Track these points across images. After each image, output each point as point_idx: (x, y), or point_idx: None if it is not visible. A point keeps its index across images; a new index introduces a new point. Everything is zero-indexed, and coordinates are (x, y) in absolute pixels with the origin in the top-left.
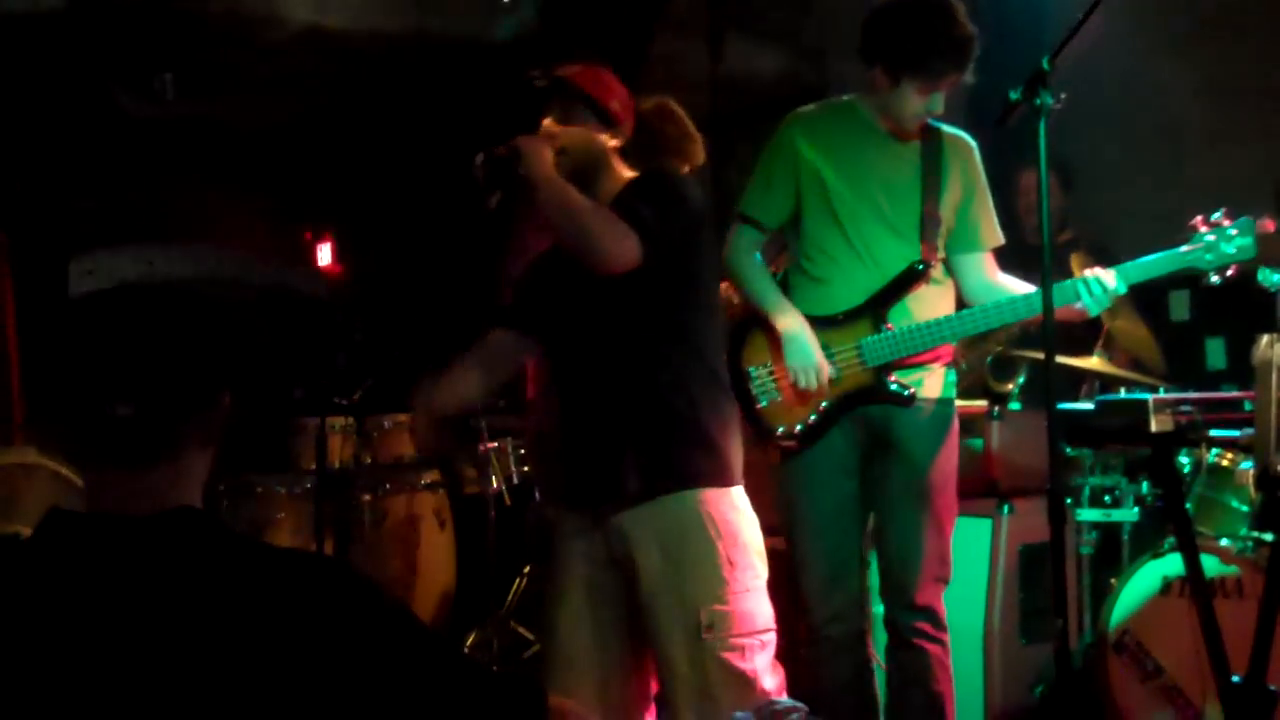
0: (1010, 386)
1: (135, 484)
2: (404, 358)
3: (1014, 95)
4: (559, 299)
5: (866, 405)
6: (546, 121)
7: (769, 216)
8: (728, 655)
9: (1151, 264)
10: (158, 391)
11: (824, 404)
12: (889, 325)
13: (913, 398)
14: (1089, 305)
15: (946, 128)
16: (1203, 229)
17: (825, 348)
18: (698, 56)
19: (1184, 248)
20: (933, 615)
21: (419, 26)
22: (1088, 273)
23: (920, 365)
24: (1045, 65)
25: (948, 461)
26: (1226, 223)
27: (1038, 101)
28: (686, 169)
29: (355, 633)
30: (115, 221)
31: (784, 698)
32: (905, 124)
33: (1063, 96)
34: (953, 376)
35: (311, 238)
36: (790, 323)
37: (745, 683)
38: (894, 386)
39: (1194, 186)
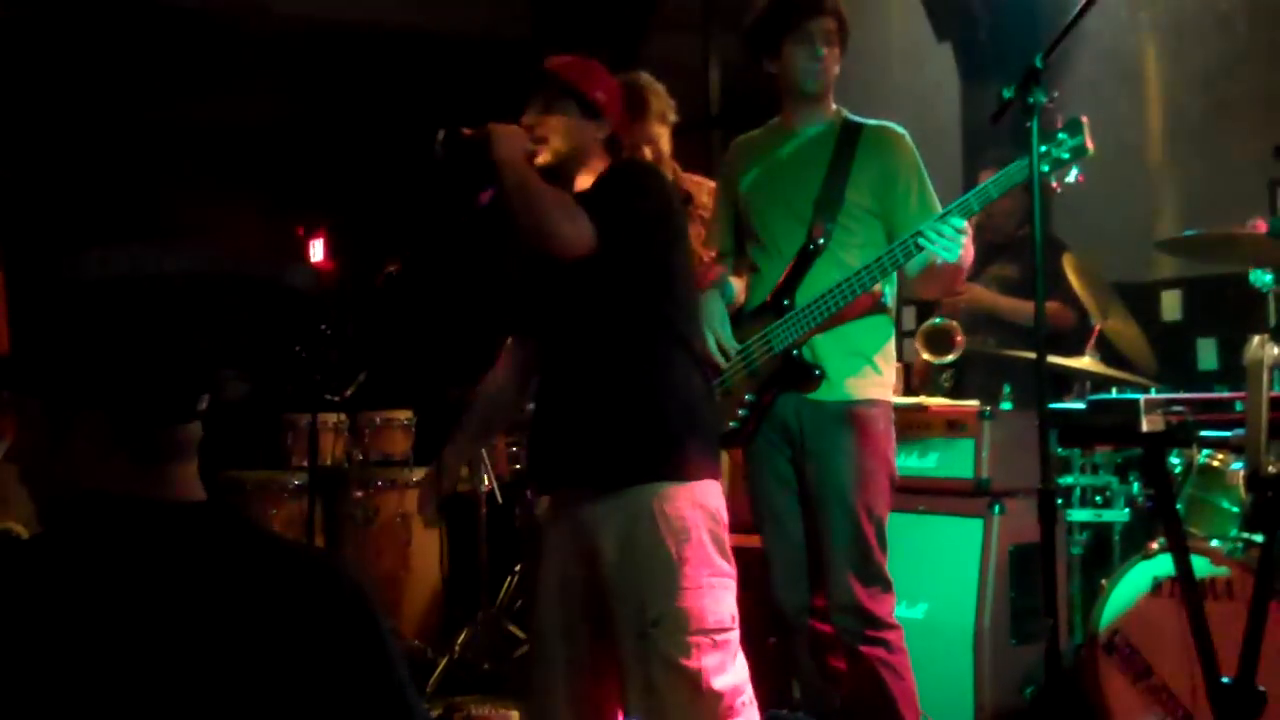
0: (948, 358)
1: (186, 474)
2: (396, 354)
3: (1007, 93)
4: (540, 292)
5: (782, 391)
6: (528, 112)
7: (718, 243)
8: (673, 652)
9: (990, 185)
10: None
11: (748, 396)
12: (792, 308)
13: (822, 376)
14: (940, 253)
15: (873, 121)
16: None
17: (741, 344)
18: (692, 53)
19: (1016, 163)
20: (866, 616)
21: (414, 20)
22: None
23: (837, 342)
24: (1038, 63)
25: (865, 461)
26: (1058, 127)
27: (1030, 100)
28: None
29: (340, 643)
30: (107, 214)
31: (783, 710)
32: (805, 86)
33: (1055, 95)
34: (876, 374)
35: (304, 233)
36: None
37: (690, 680)
38: (800, 363)
39: (1190, 188)
